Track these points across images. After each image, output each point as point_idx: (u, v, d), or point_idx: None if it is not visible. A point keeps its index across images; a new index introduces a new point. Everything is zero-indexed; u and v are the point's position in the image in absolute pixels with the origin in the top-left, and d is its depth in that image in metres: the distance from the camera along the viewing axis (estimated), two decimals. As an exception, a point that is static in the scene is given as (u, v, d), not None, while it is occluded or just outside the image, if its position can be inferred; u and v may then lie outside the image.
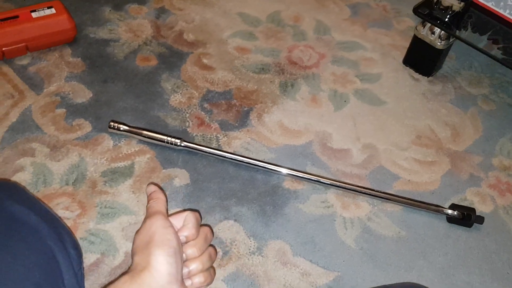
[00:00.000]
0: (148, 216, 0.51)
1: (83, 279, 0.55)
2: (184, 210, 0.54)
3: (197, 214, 0.53)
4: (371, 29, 1.11)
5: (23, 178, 0.77)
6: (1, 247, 0.48)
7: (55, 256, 0.51)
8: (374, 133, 0.91)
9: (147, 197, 0.54)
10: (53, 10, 0.93)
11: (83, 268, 0.56)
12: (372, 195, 0.80)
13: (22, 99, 0.87)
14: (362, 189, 0.80)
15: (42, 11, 0.93)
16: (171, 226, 0.50)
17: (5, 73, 0.90)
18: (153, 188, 0.55)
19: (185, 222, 0.52)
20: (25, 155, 0.79)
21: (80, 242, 0.71)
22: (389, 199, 0.80)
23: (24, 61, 0.93)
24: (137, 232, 0.50)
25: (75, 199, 0.75)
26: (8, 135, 0.82)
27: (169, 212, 0.74)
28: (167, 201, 0.54)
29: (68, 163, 0.79)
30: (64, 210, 0.73)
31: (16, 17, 0.91)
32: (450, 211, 0.79)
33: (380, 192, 0.80)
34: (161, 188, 0.56)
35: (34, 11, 0.92)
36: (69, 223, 0.72)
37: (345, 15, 1.13)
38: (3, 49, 0.90)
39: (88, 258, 0.69)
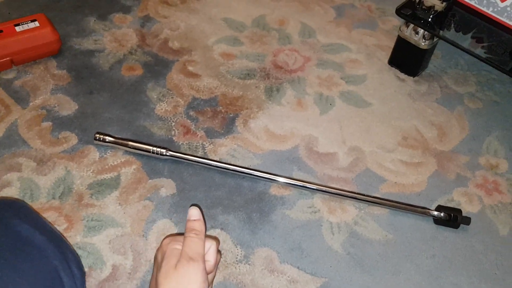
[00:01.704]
0: (185, 257, 0.47)
1: None
2: (208, 237, 0.52)
3: (218, 243, 0.52)
4: (356, 30, 1.09)
5: (10, 193, 0.76)
6: (8, 266, 0.48)
7: (60, 276, 0.51)
8: (360, 135, 0.89)
9: (187, 222, 0.52)
10: (36, 23, 0.92)
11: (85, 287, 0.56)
12: (358, 199, 0.79)
13: (7, 114, 0.86)
14: (348, 193, 0.79)
15: (26, 24, 0.91)
16: (207, 279, 0.48)
17: (-9, 88, 0.90)
18: (195, 214, 0.53)
19: (208, 257, 0.50)
20: (12, 170, 0.78)
21: (67, 257, 0.70)
22: (376, 203, 0.79)
23: (10, 75, 0.92)
24: (164, 273, 0.47)
25: (61, 213, 0.74)
26: (-6, 151, 0.81)
27: (155, 225, 0.74)
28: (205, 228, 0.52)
29: (55, 176, 0.78)
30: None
31: (0, 31, 0.90)
32: (436, 213, 0.78)
33: (366, 195, 0.79)
34: (202, 213, 0.53)
35: (18, 25, 0.91)
36: (55, 238, 0.72)
37: (330, 17, 1.12)
38: (-12, 63, 0.89)
39: (75, 273, 0.69)
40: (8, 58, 0.90)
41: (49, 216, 0.73)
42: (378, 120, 0.92)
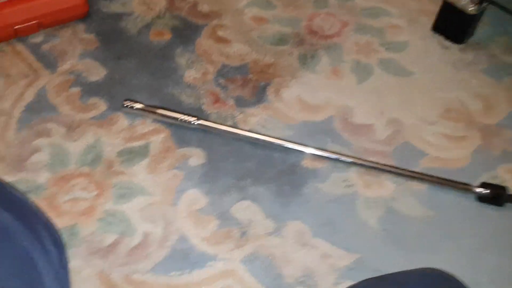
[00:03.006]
0: None
1: (68, 276, 0.50)
2: None
3: None
4: (397, -7, 1.03)
5: (40, 159, 0.76)
6: None
7: (32, 259, 0.45)
8: (399, 106, 0.85)
9: None
10: (63, -15, 0.91)
11: (67, 263, 0.51)
12: (397, 173, 0.76)
13: (36, 79, 0.86)
14: (386, 167, 0.76)
15: (53, -14, 0.90)
16: None
17: (19, 52, 0.89)
18: None
19: None
20: (42, 136, 0.79)
21: (98, 223, 0.71)
22: (415, 177, 0.76)
23: (37, 39, 0.91)
24: None
25: (92, 180, 0.75)
26: (24, 116, 0.81)
27: (184, 194, 0.73)
28: None
29: (85, 143, 0.78)
30: (81, 191, 0.73)
31: (27, -7, 0.89)
32: (479, 190, 0.74)
33: (405, 169, 0.76)
34: None
35: (45, -14, 0.90)
36: (86, 204, 0.72)
37: (369, -22, 1.06)
38: (15, 27, 0.88)
39: (107, 239, 0.69)
40: (35, 21, 0.89)
41: (80, 182, 0.74)
42: (419, 91, 0.88)
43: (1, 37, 0.89)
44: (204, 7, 0.98)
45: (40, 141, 0.79)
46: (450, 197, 0.76)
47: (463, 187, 0.75)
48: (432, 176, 0.76)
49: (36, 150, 0.78)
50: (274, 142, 0.78)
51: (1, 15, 0.86)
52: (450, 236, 0.72)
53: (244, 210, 0.73)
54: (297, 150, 0.78)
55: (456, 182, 0.75)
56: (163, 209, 0.73)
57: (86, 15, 0.94)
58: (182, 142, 0.80)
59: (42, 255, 0.46)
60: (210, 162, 0.78)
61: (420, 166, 0.79)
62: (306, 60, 0.91)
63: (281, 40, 0.93)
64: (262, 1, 1.00)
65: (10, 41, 0.90)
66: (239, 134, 0.79)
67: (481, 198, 0.75)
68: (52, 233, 0.50)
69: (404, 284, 0.46)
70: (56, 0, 0.89)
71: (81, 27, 0.93)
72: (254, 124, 0.82)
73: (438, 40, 0.96)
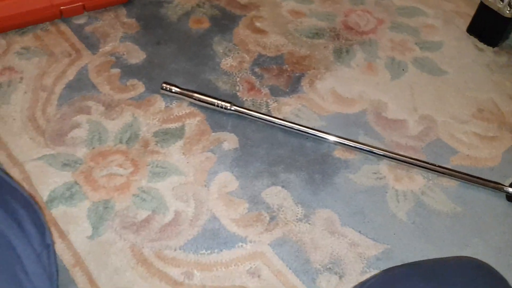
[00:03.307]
0: None
1: (52, 256, 0.48)
2: None
3: None
4: (434, -6, 1.04)
5: (79, 134, 0.79)
6: None
7: (9, 242, 0.43)
8: (432, 104, 0.86)
9: None
10: (109, -31, 0.94)
11: (52, 241, 0.49)
12: (428, 169, 0.76)
13: (78, 58, 0.89)
14: (417, 161, 0.76)
15: (99, -30, 0.93)
16: None
17: (63, 32, 0.92)
18: None
19: None
20: (82, 113, 0.82)
21: (133, 199, 0.73)
22: (446, 174, 0.76)
23: (81, 20, 0.94)
24: None
25: (128, 157, 0.77)
26: (65, 92, 0.84)
27: (217, 176, 0.75)
28: None
29: (122, 122, 0.81)
30: (118, 167, 0.75)
31: (74, -24, 0.92)
32: (510, 189, 0.74)
33: (437, 165, 0.76)
34: None
35: (91, -30, 0.93)
36: (122, 180, 0.74)
37: (406, -22, 1.07)
38: (61, 7, 0.91)
39: (140, 215, 0.71)
40: (80, 3, 0.93)
41: (116, 159, 0.76)
42: (453, 90, 0.88)
43: (47, 16, 0.92)
44: (242, -2, 1.00)
45: (80, 118, 0.81)
46: (480, 195, 0.76)
47: (494, 186, 0.75)
48: (463, 173, 0.76)
49: (76, 126, 0.80)
50: (307, 131, 0.79)
51: (49, -4, 0.90)
52: (478, 232, 0.72)
53: (275, 195, 0.74)
54: (330, 140, 0.79)
55: (486, 180, 0.75)
56: (195, 190, 0.74)
57: (128, 0, 0.97)
58: (216, 126, 0.81)
59: (20, 237, 0.43)
60: (243, 147, 0.79)
61: (451, 163, 0.79)
62: (341, 54, 0.92)
63: (317, 33, 0.95)
64: (299, -5, 1.01)
65: (55, 21, 0.93)
66: (273, 122, 0.80)
67: (511, 198, 0.75)
68: (32, 211, 0.48)
69: (441, 273, 0.46)
70: (101, -16, 0.93)
71: (123, 11, 0.96)
72: (287, 113, 0.83)
73: (472, 42, 0.96)
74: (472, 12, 0.96)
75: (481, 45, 0.95)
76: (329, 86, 0.87)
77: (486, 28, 0.95)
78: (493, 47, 0.95)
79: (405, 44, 0.94)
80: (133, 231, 0.70)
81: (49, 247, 0.49)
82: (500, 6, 0.89)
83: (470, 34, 0.97)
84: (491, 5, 0.91)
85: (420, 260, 0.50)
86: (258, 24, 0.96)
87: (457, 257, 0.52)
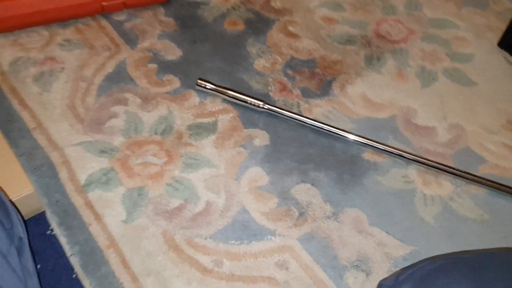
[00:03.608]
0: None
1: (26, 249, 0.44)
2: None
3: None
4: (465, 8, 1.06)
5: (116, 124, 0.83)
6: None
7: None
8: (462, 113, 0.88)
9: None
10: (150, -30, 0.98)
11: (26, 233, 0.46)
12: (457, 175, 0.78)
13: (118, 52, 0.93)
14: (446, 167, 0.78)
15: (141, -30, 0.98)
16: None
17: (104, 27, 0.97)
18: None
19: None
20: (119, 104, 0.85)
21: (166, 188, 0.75)
22: (475, 181, 0.77)
23: (121, 17, 0.99)
24: None
25: (162, 147, 0.80)
26: (104, 84, 0.88)
27: (247, 171, 0.77)
28: None
29: (158, 114, 0.84)
30: (152, 157, 0.78)
31: (117, -26, 0.97)
32: (541, 200, 0.75)
33: (466, 172, 0.78)
34: None
35: (134, -31, 0.98)
36: (156, 169, 0.77)
37: (438, -8, 1.10)
38: (103, 3, 0.96)
39: (172, 203, 0.74)
40: (121, 1, 0.97)
41: (151, 149, 0.79)
42: (482, 101, 0.90)
43: (89, 11, 0.97)
44: (277, 4, 1.04)
45: (117, 108, 0.85)
46: (507, 204, 0.77)
47: (523, 196, 0.76)
48: (491, 181, 0.77)
49: (113, 116, 0.84)
50: (338, 132, 0.82)
51: (92, -8, 0.95)
52: (504, 239, 0.73)
53: (304, 192, 0.76)
54: (360, 142, 0.81)
55: (516, 190, 0.77)
56: (226, 182, 0.77)
57: (166, 1, 1.02)
58: (248, 123, 0.84)
59: None
60: (274, 145, 0.82)
61: (479, 172, 0.80)
62: (372, 61, 0.95)
63: (348, 40, 0.98)
64: (333, 3, 1.05)
65: (96, 16, 0.98)
66: (304, 121, 0.83)
67: (541, 210, 0.76)
68: (3, 208, 0.44)
69: (486, 265, 0.46)
70: (143, -17, 0.97)
71: (161, 10, 1.01)
72: (318, 115, 0.86)
73: (503, 56, 0.98)
74: (503, 26, 0.99)
75: (512, 59, 0.98)
76: (360, 91, 0.90)
77: (517, 43, 0.97)
78: (524, 62, 0.97)
79: (435, 54, 0.96)
80: (166, 218, 0.72)
81: (21, 240, 0.45)
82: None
83: (501, 48, 0.99)
84: (523, 21, 0.93)
85: (464, 250, 0.51)
86: (291, 28, 0.99)
87: (504, 248, 0.52)
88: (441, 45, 0.98)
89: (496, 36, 1.00)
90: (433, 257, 0.48)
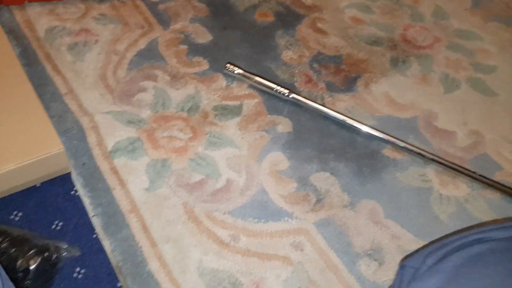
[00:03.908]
0: None
1: None
2: None
3: None
4: (491, 22, 1.09)
5: (145, 98, 0.86)
6: None
7: None
8: (482, 121, 0.90)
9: None
10: (189, -44, 1.02)
11: None
12: (474, 178, 0.80)
13: (150, 31, 0.96)
14: (464, 169, 0.81)
15: (180, -45, 1.02)
16: None
17: (138, 6, 1.00)
18: None
19: None
20: (149, 79, 0.88)
21: (189, 162, 0.78)
22: (491, 185, 0.80)
23: (156, -2, 1.03)
24: None
25: (188, 124, 0.83)
26: (135, 59, 0.91)
27: (269, 154, 0.80)
28: None
29: (185, 93, 0.87)
30: (178, 132, 0.81)
31: (157, -43, 1.01)
32: (554, 210, 0.78)
33: (483, 176, 0.80)
34: None
35: (173, -46, 1.02)
36: (181, 144, 0.80)
37: (466, 5, 1.13)
38: (141, -16, 1.00)
39: (194, 177, 0.76)
40: (158, -17, 1.02)
41: (178, 124, 0.82)
42: (503, 111, 0.92)
43: (126, -10, 1.01)
44: (308, 0, 1.07)
45: (147, 83, 0.88)
46: (522, 211, 0.79)
47: (538, 204, 0.78)
48: (507, 187, 0.79)
49: (142, 90, 0.87)
50: (360, 127, 0.84)
51: (131, -29, 0.98)
52: (518, 246, 0.75)
53: (323, 180, 0.79)
54: (381, 138, 0.83)
55: (531, 198, 0.79)
56: (247, 163, 0.79)
57: (201, -13, 1.06)
58: (273, 110, 0.87)
59: None
60: (296, 133, 0.84)
61: (495, 178, 0.83)
62: (398, 63, 0.98)
63: (375, 41, 1.01)
64: (362, 5, 1.08)
65: (132, -5, 1.02)
66: (327, 113, 0.86)
67: (553, 220, 0.78)
68: None
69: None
70: (181, -33, 1.01)
71: (195, -4, 1.05)
72: (341, 109, 0.89)
73: (526, 71, 1.01)
74: (527, 44, 1.02)
75: (534, 75, 1.00)
76: (383, 90, 0.92)
77: (540, 60, 1.00)
78: (545, 79, 1.00)
79: (460, 63, 0.99)
80: (187, 190, 0.75)
81: None
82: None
83: (524, 64, 1.02)
84: (547, 39, 0.96)
85: (492, 225, 0.50)
86: (320, 25, 1.03)
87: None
88: (466, 55, 1.01)
89: (520, 52, 1.04)
90: (461, 234, 0.48)
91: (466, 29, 1.07)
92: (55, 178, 0.75)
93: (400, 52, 1.00)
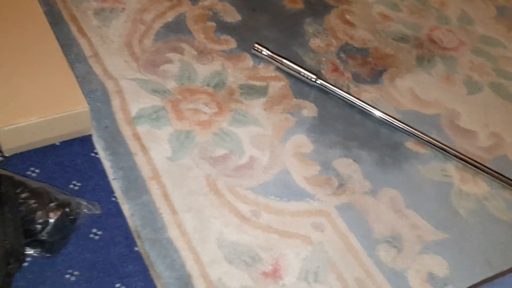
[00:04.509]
0: None
1: None
2: None
3: None
4: (515, 32, 1.13)
5: (170, 69, 0.86)
6: None
7: None
8: (503, 125, 0.93)
9: None
10: None
11: None
12: (495, 176, 0.82)
13: (179, 5, 0.97)
14: (485, 167, 0.83)
15: None
16: None
17: (167, -20, 1.02)
18: None
19: None
20: (175, 52, 0.89)
21: (213, 136, 0.79)
22: (510, 185, 0.82)
23: (185, -26, 1.04)
24: None
25: (214, 99, 0.84)
26: (162, 31, 0.92)
27: (293, 136, 0.81)
28: None
29: (212, 68, 0.88)
30: (203, 105, 0.82)
31: None
32: None
33: (503, 176, 0.82)
34: None
35: None
36: (206, 118, 0.81)
37: (491, 13, 1.16)
38: (172, -42, 1.01)
39: (217, 151, 0.77)
40: (189, -41, 1.03)
41: (203, 98, 0.83)
42: (524, 117, 0.95)
43: (156, -37, 1.02)
44: (337, -8, 1.10)
45: (173, 55, 0.89)
46: (540, 214, 0.81)
47: (556, 208, 0.81)
48: (527, 190, 0.82)
49: (168, 61, 0.87)
50: (385, 118, 0.86)
51: None
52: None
53: (346, 166, 0.80)
54: (406, 130, 0.85)
55: (550, 201, 0.81)
56: (272, 142, 0.80)
57: (231, -32, 1.07)
58: (299, 94, 0.88)
59: None
60: (321, 118, 0.86)
61: (515, 181, 0.85)
62: (423, 61, 1.00)
63: (402, 38, 1.03)
64: (390, 2, 1.11)
65: (162, -31, 1.03)
66: (354, 102, 0.87)
67: None
68: None
69: None
70: None
71: (225, -24, 1.06)
72: (366, 99, 0.90)
73: (548, 82, 1.04)
74: (549, 56, 1.05)
75: (554, 86, 1.03)
76: (408, 86, 0.94)
77: (561, 73, 1.03)
78: None
79: (483, 67, 1.02)
80: (210, 163, 0.76)
81: None
82: None
83: (545, 75, 1.05)
84: None
85: None
86: (348, 17, 1.05)
87: None
88: (489, 60, 1.04)
89: (542, 63, 1.07)
90: None
91: (491, 35, 1.10)
92: (76, 138, 0.75)
93: (426, 51, 1.02)
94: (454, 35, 1.08)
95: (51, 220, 0.62)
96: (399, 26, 1.06)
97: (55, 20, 0.88)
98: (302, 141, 0.82)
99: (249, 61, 0.91)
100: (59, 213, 0.63)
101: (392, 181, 0.80)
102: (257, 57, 0.92)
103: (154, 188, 0.71)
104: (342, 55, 0.97)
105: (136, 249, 0.67)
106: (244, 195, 0.74)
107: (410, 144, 0.86)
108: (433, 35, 1.06)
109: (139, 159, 0.74)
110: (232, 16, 0.99)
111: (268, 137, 0.81)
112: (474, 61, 1.03)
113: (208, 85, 0.86)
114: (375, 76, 0.95)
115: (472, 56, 1.04)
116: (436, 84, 0.97)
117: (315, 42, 0.98)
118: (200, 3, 0.99)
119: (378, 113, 0.87)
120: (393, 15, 1.08)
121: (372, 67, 0.96)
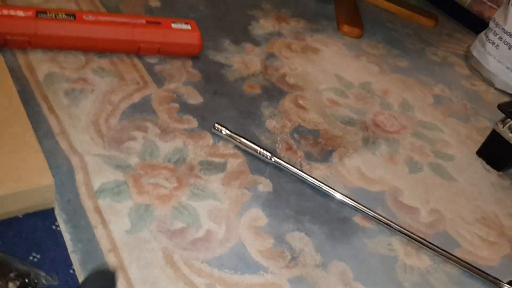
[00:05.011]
0: None
1: None
2: None
3: None
4: (450, 118, 1.26)
5: (134, 146, 0.91)
6: None
7: None
8: (442, 202, 1.01)
9: None
10: (189, 27, 1.15)
11: None
12: (436, 251, 0.88)
13: (145, 87, 1.05)
14: (428, 243, 0.89)
15: (180, 24, 1.14)
16: None
17: (135, 64, 1.10)
18: None
19: None
20: (139, 130, 0.95)
21: (172, 210, 0.82)
22: (452, 260, 0.88)
23: (153, 60, 1.13)
24: None
25: (174, 174, 0.88)
26: (128, 111, 0.98)
27: (249, 210, 0.86)
28: None
29: (174, 146, 0.94)
30: (164, 180, 0.86)
31: (159, 23, 1.13)
32: (507, 286, 0.86)
33: (444, 250, 0.88)
34: None
35: (174, 23, 1.14)
36: (165, 192, 0.85)
37: (428, 101, 1.30)
38: (140, 44, 1.10)
39: (175, 225, 0.80)
40: (157, 46, 1.12)
41: (164, 173, 0.88)
42: (461, 195, 1.04)
43: (126, 49, 1.11)
44: (291, 80, 1.21)
45: (137, 133, 0.94)
46: (478, 285, 0.87)
47: (492, 280, 0.86)
48: (467, 263, 0.88)
49: (132, 138, 0.93)
50: (334, 194, 0.93)
51: (135, 33, 1.09)
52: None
53: (298, 239, 0.85)
54: (353, 206, 0.92)
55: (487, 274, 0.87)
56: (228, 216, 0.85)
57: (196, 56, 1.17)
58: (255, 170, 0.95)
59: None
60: (276, 193, 0.91)
61: (455, 255, 0.91)
62: (368, 143, 1.10)
63: (349, 122, 1.14)
64: (338, 90, 1.23)
65: (131, 55, 1.12)
66: (305, 179, 0.94)
67: (506, 296, 0.86)
68: None
69: None
70: (180, 35, 1.13)
71: (189, 62, 1.16)
72: (317, 176, 0.97)
73: (480, 162, 1.15)
74: (482, 140, 1.17)
75: (488, 167, 1.14)
76: (355, 164, 1.03)
77: (495, 153, 1.14)
78: (498, 171, 1.14)
79: (422, 149, 1.13)
80: (167, 236, 0.78)
81: None
82: (510, 135, 1.10)
83: (479, 156, 1.17)
84: (502, 134, 1.11)
85: None
86: (301, 101, 1.15)
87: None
88: (428, 142, 1.15)
89: (475, 146, 1.18)
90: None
91: (428, 121, 1.23)
92: (39, 211, 0.77)
93: (371, 134, 1.12)
94: (396, 120, 1.19)
95: (9, 291, 0.63)
96: (346, 111, 1.17)
97: (28, 99, 0.93)
98: (258, 215, 0.87)
99: (209, 140, 0.98)
100: (18, 283, 0.63)
101: (341, 254, 0.85)
102: (217, 135, 0.99)
103: (111, 260, 0.73)
104: (295, 135, 1.06)
105: (89, 323, 0.67)
106: (200, 268, 0.76)
107: (358, 219, 0.92)
108: (377, 119, 1.18)
109: (99, 232, 0.76)
110: (195, 98, 1.07)
111: (225, 211, 0.86)
112: (415, 143, 1.14)
113: (169, 161, 0.91)
114: (325, 155, 1.03)
115: (412, 138, 1.15)
116: (381, 163, 1.06)
117: (271, 123, 1.07)
118: (165, 86, 1.07)
119: (328, 189, 0.94)
120: (341, 101, 1.20)
121: (323, 147, 1.05)
